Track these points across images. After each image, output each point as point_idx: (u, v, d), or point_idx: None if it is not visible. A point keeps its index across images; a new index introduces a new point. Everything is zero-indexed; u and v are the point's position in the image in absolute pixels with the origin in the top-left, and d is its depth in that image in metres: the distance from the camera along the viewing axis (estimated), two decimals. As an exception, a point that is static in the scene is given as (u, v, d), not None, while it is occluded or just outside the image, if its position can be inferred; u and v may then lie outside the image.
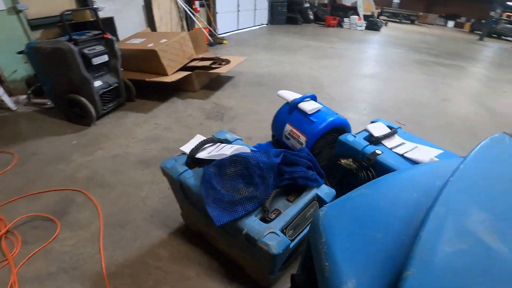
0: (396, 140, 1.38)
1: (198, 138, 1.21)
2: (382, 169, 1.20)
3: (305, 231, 0.97)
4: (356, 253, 0.41)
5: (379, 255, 0.39)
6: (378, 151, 1.25)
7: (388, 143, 1.35)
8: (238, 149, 1.03)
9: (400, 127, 1.52)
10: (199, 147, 1.11)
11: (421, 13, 15.24)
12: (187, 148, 1.17)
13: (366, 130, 1.47)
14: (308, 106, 1.69)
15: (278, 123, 1.89)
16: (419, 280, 0.30)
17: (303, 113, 1.71)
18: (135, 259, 1.29)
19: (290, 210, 0.92)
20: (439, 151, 1.24)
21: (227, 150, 1.03)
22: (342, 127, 1.68)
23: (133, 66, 2.95)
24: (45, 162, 1.91)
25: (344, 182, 1.37)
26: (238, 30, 7.28)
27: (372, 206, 0.46)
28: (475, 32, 12.65)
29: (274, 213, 0.91)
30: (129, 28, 3.99)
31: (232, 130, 2.43)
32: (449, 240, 0.34)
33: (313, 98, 1.85)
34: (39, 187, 1.68)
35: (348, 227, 0.45)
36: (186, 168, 1.08)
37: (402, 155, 1.25)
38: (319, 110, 1.71)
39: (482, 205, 0.38)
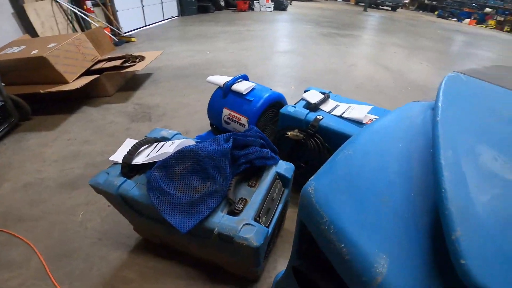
0: (331, 103, 1.45)
1: (130, 143, 1.03)
2: (327, 133, 1.25)
3: (277, 213, 0.93)
4: (370, 224, 0.36)
5: (395, 220, 0.34)
6: (319, 117, 1.29)
7: (325, 107, 1.41)
8: (181, 144, 0.90)
9: (330, 91, 1.61)
10: (133, 152, 0.94)
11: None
12: (118, 156, 0.97)
13: (303, 99, 1.50)
14: (242, 87, 1.63)
15: (214, 110, 1.78)
16: (474, 238, 0.26)
17: (238, 94, 1.64)
18: None
19: (256, 195, 0.85)
20: (369, 107, 1.36)
21: (168, 148, 0.89)
22: (279, 101, 1.68)
23: (19, 79, 2.38)
24: None
25: (294, 154, 1.39)
26: (147, 26, 6.70)
27: (362, 167, 0.41)
28: (359, 4, 14.45)
29: (241, 203, 0.83)
30: (1, 39, 3.16)
31: (165, 127, 2.23)
32: (478, 187, 0.30)
33: (245, 78, 1.80)
34: None
35: (348, 196, 0.39)
36: (124, 179, 0.89)
37: (340, 116, 1.32)
38: (253, 89, 1.67)
39: (484, 141, 0.37)
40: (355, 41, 5.85)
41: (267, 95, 1.61)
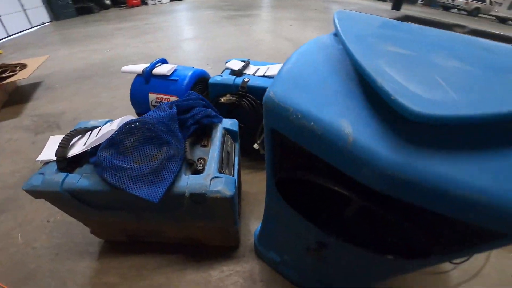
0: (252, 68, 1.57)
1: (55, 139, 0.92)
2: (256, 91, 1.37)
3: (236, 164, 1.01)
4: (324, 103, 0.45)
5: (339, 95, 0.45)
6: (246, 79, 1.39)
7: (248, 71, 1.52)
8: (124, 119, 0.86)
9: (249, 59, 1.73)
10: (66, 144, 0.85)
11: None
12: (47, 154, 0.87)
13: (226, 68, 1.57)
14: (164, 69, 1.59)
15: (138, 98, 1.69)
16: (390, 81, 0.39)
17: (161, 77, 1.60)
18: None
19: (212, 152, 0.90)
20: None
21: (109, 128, 0.84)
22: (203, 76, 1.71)
23: None
24: None
25: (232, 117, 1.47)
26: (10, 36, 5.51)
27: (303, 72, 0.50)
28: None
29: (201, 162, 0.86)
30: None
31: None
32: (380, 57, 0.43)
33: (164, 61, 1.75)
34: None
35: (301, 90, 0.48)
36: (65, 173, 0.81)
37: (263, 76, 1.46)
38: (176, 69, 1.65)
39: (376, 38, 0.51)
40: (256, 19, 6.19)
41: (191, 72, 1.62)
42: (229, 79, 1.41)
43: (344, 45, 0.49)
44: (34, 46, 4.50)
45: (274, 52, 3.86)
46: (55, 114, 2.28)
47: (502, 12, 14.33)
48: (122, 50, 3.89)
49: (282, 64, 1.48)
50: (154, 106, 1.64)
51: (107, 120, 1.08)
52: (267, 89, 0.54)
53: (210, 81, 1.44)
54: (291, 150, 0.55)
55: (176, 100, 0.94)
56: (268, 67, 1.54)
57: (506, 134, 0.37)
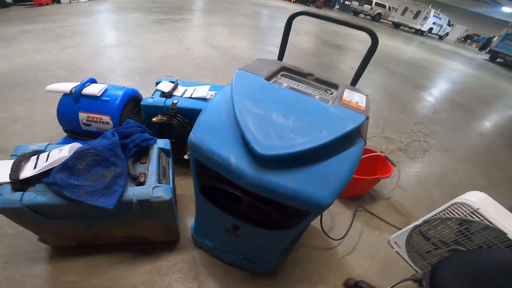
0: (180, 89, 1.84)
1: (3, 163, 1.04)
2: (184, 112, 1.65)
3: (171, 175, 1.28)
4: (221, 143, 0.78)
5: (229, 138, 0.78)
6: (175, 101, 1.66)
7: (177, 93, 1.78)
8: (72, 147, 1.04)
9: (178, 79, 1.98)
10: (17, 169, 0.99)
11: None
12: (-2, 178, 0.99)
13: (157, 90, 1.80)
14: (95, 89, 1.72)
15: (66, 116, 1.77)
16: (252, 135, 0.74)
17: (92, 97, 1.73)
18: None
19: (151, 167, 1.16)
20: (208, 86, 1.85)
21: (61, 154, 1.01)
22: (134, 95, 1.90)
23: None
24: None
25: (164, 135, 1.72)
26: None
27: (212, 120, 0.83)
28: None
29: (142, 176, 1.11)
30: None
31: (3, 149, 1.92)
32: (249, 114, 0.79)
33: (93, 81, 1.86)
34: None
35: (209, 134, 0.80)
36: (21, 192, 0.97)
37: (190, 97, 1.75)
38: (106, 89, 1.79)
39: (248, 99, 0.83)
40: (187, 25, 6.26)
41: (121, 92, 1.79)
42: (160, 101, 1.66)
43: (233, 106, 0.85)
44: None
45: (203, 62, 4.10)
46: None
47: (397, 18, 17.36)
48: (32, 56, 3.50)
49: (206, 86, 1.82)
50: (85, 124, 1.76)
51: (47, 143, 1.21)
52: (193, 124, 0.87)
53: (143, 103, 1.66)
54: (207, 168, 0.89)
55: (117, 128, 1.16)
56: (195, 89, 1.84)
57: (304, 159, 0.78)
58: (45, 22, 5.29)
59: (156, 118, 1.64)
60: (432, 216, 1.42)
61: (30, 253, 1.30)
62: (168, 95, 1.74)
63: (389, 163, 1.92)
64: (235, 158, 0.76)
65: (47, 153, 1.07)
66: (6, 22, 5.24)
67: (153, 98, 1.70)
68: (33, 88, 2.74)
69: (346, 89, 1.03)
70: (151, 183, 1.10)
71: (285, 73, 1.15)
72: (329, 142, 0.74)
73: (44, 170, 1.00)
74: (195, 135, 0.84)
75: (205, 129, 0.84)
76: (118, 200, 0.99)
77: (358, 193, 2.07)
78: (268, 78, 1.00)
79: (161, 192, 1.08)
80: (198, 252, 1.45)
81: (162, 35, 5.13)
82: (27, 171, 1.01)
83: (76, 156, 0.99)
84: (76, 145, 1.06)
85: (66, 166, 0.97)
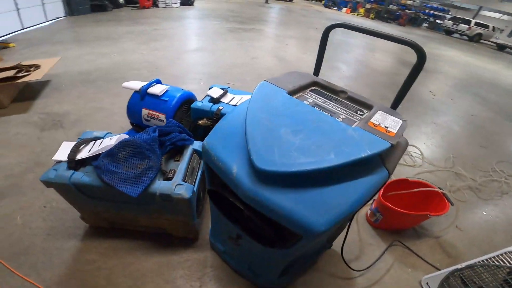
0: (228, 96, 1.94)
1: (67, 145, 1.27)
2: (227, 118, 1.74)
3: (199, 176, 1.36)
4: (229, 152, 0.80)
5: (237, 148, 0.79)
6: (220, 107, 1.76)
7: (225, 100, 1.89)
8: (120, 137, 1.22)
9: (229, 87, 2.10)
10: (76, 150, 1.21)
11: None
12: (60, 156, 1.22)
13: (207, 95, 1.94)
14: (157, 90, 1.96)
15: (133, 111, 2.05)
16: (254, 150, 0.74)
17: (154, 96, 1.97)
18: (71, 272, 1.32)
19: (181, 166, 1.26)
20: (255, 95, 1.91)
21: (109, 142, 1.20)
22: (189, 98, 2.09)
23: None
24: None
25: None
26: (25, 28, 5.74)
27: (226, 128, 0.88)
28: None
29: (171, 173, 1.22)
30: None
31: (82, 132, 2.34)
32: (258, 126, 0.82)
33: (158, 82, 2.12)
34: None
35: (220, 142, 0.83)
36: (73, 171, 1.17)
37: (235, 105, 1.83)
38: (167, 90, 2.02)
39: (265, 112, 0.83)
40: (257, 35, 6.57)
41: (179, 94, 1.99)
42: (207, 106, 1.79)
43: (246, 117, 0.85)
44: (46, 42, 4.78)
45: (264, 72, 4.24)
46: (60, 114, 2.61)
47: (502, 39, 14.55)
48: (128, 56, 4.21)
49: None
50: (146, 120, 2.01)
51: (106, 132, 1.44)
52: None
53: (192, 106, 1.82)
54: (215, 174, 0.91)
55: (158, 126, 1.30)
56: (241, 97, 1.92)
57: (306, 181, 0.73)
58: (144, 25, 6.31)
59: (202, 121, 1.77)
60: (480, 261, 1.17)
61: (71, 229, 1.52)
62: (216, 101, 1.85)
63: (446, 201, 1.64)
64: (237, 168, 0.77)
65: (101, 139, 1.27)
66: (117, 22, 6.44)
67: (202, 102, 1.84)
68: (120, 84, 3.27)
69: (379, 111, 0.93)
70: (176, 180, 1.18)
71: (315, 88, 1.10)
72: (335, 166, 0.68)
73: (95, 154, 1.19)
74: (208, 140, 0.87)
75: (219, 135, 0.87)
76: (143, 190, 1.10)
77: (401, 227, 1.82)
78: (292, 92, 0.98)
79: (183, 190, 1.15)
80: (212, 254, 1.49)
81: (233, 43, 5.52)
82: (83, 153, 1.21)
83: (119, 146, 1.14)
84: (123, 136, 1.23)
85: (110, 153, 1.14)
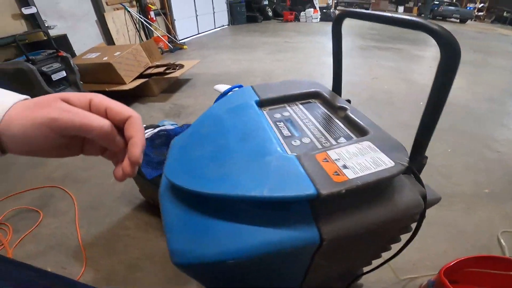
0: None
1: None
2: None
3: None
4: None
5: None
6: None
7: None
8: (162, 128, 1.45)
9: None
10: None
11: (373, 1, 16.22)
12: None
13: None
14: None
15: (217, 111, 2.33)
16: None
17: (232, 100, 2.16)
18: (107, 232, 1.62)
19: None
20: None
21: (157, 129, 1.44)
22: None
23: (93, 79, 3.26)
24: (24, 168, 2.22)
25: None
26: (199, 34, 7.47)
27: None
28: (422, 15, 13.35)
29: None
30: (87, 43, 4.24)
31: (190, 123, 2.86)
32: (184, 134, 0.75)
33: (240, 87, 2.30)
34: (23, 188, 1.95)
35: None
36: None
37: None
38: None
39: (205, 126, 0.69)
40: (392, 55, 5.71)
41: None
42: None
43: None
44: (207, 47, 6.06)
45: (378, 94, 3.61)
46: (184, 106, 3.28)
47: None
48: (254, 63, 4.72)
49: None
50: (221, 119, 2.23)
51: (173, 123, 1.71)
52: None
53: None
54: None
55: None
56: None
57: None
58: (279, 37, 6.88)
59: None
60: None
61: (133, 197, 1.82)
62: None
63: None
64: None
65: (159, 127, 1.55)
66: (260, 33, 7.32)
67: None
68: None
69: (367, 142, 0.59)
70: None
71: (313, 101, 0.86)
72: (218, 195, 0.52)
73: (148, 137, 1.46)
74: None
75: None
76: (157, 175, 1.26)
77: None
78: (266, 102, 0.81)
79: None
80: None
81: (357, 61, 5.08)
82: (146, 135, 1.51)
83: (157, 134, 1.35)
84: (167, 127, 1.44)
85: (151, 138, 1.36)
